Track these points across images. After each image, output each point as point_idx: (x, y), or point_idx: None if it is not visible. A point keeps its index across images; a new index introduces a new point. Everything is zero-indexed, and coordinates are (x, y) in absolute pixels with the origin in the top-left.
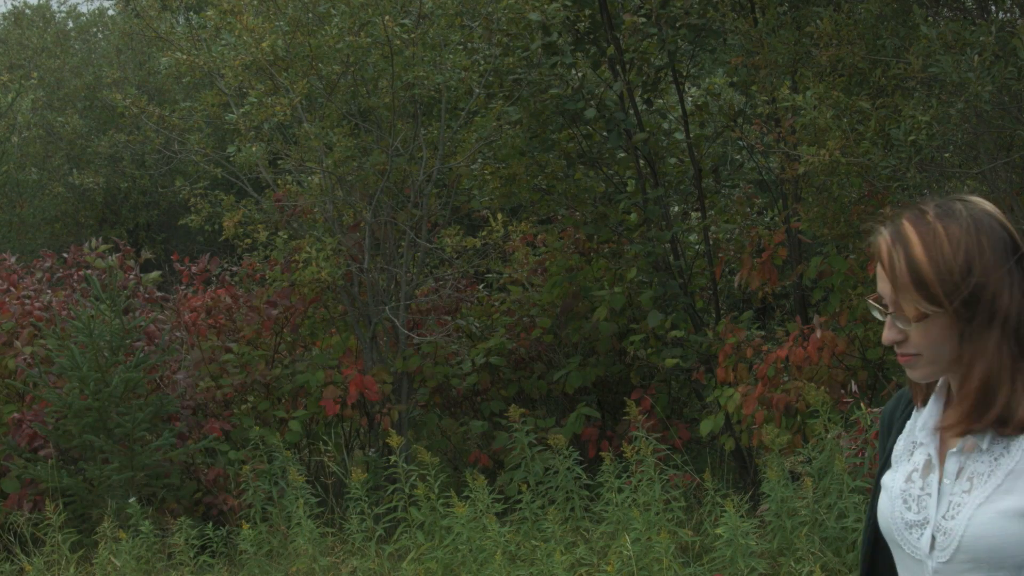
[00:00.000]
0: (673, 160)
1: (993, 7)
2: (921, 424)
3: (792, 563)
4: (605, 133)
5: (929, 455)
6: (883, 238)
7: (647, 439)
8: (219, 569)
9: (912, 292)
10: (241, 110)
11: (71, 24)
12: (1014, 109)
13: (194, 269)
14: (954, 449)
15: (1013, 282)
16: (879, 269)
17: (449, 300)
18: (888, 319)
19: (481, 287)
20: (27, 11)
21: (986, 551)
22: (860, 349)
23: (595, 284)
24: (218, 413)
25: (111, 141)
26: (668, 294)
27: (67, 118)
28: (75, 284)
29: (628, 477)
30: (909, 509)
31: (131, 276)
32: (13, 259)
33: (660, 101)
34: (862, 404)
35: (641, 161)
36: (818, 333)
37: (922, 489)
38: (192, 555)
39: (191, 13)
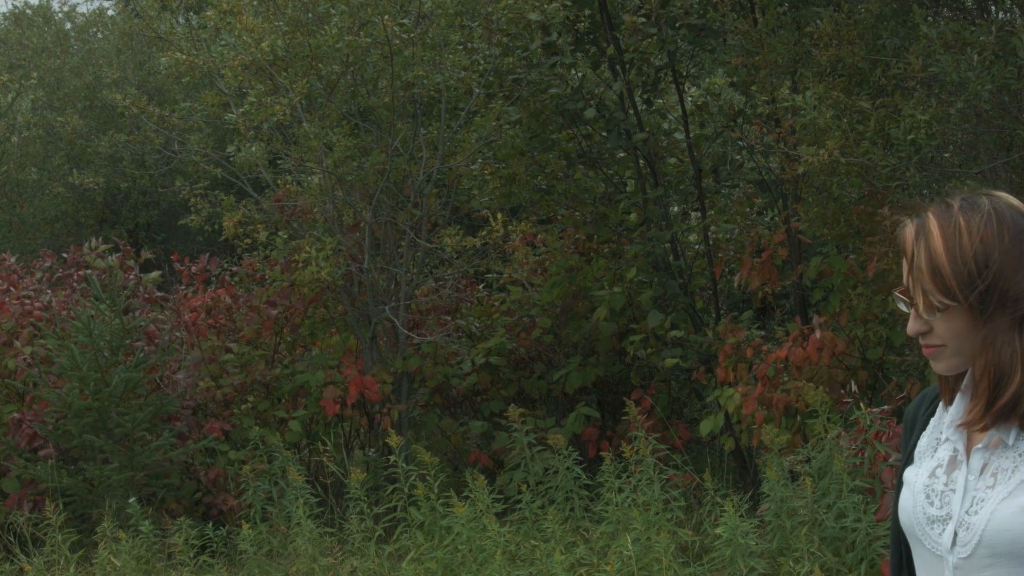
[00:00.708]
0: (673, 160)
1: (993, 7)
2: (948, 421)
3: (791, 563)
4: (605, 133)
5: (956, 451)
6: (908, 230)
7: (647, 439)
8: (219, 569)
9: (929, 284)
10: (241, 110)
11: (69, 25)
12: (1014, 109)
13: (194, 269)
14: (979, 445)
15: None
16: (904, 261)
17: (449, 300)
18: (913, 311)
19: (481, 287)
20: (27, 11)
21: (1007, 545)
22: (860, 349)
23: (595, 284)
24: (218, 413)
25: (111, 141)
26: (668, 294)
27: (67, 118)
28: (75, 284)
29: (628, 477)
30: (932, 504)
31: (131, 276)
32: (13, 259)
33: (660, 101)
34: (861, 404)
35: (641, 161)
36: (817, 333)
37: (946, 485)
38: (192, 555)
39: (191, 13)
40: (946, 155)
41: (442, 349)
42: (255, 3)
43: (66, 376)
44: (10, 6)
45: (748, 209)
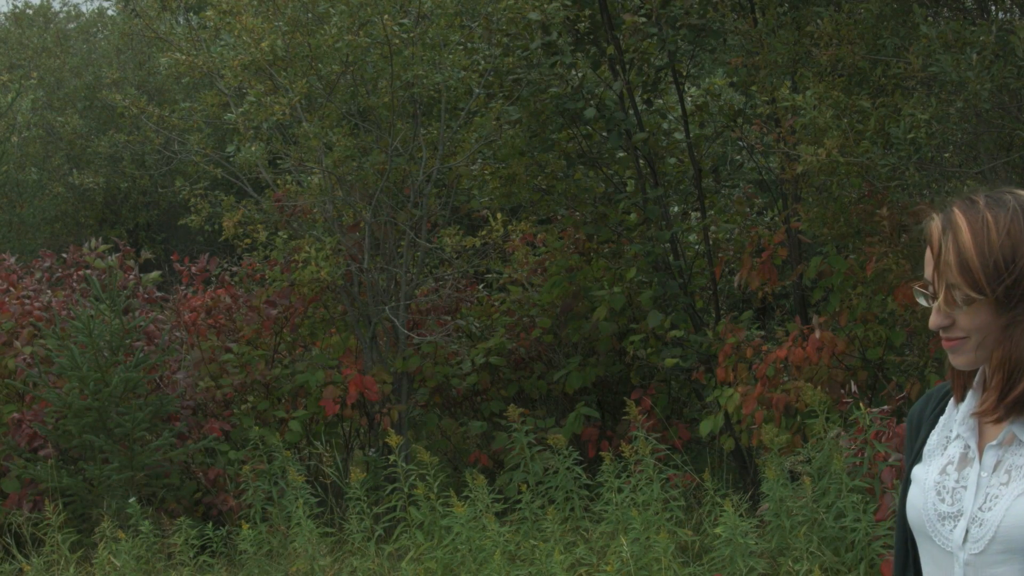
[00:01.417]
0: (673, 160)
1: (993, 7)
2: (960, 418)
3: (791, 563)
4: (605, 133)
5: (967, 447)
6: (935, 224)
7: (647, 439)
8: (219, 569)
9: (958, 278)
10: (240, 110)
11: (72, 25)
12: (1014, 108)
13: (194, 269)
14: (993, 442)
15: None
16: (928, 255)
17: (449, 300)
18: (935, 304)
19: (481, 287)
20: (28, 11)
21: (1022, 540)
22: (860, 349)
23: (595, 284)
24: (218, 413)
25: (111, 141)
26: (668, 294)
27: (67, 118)
28: (74, 284)
29: (628, 477)
30: (943, 501)
31: (131, 276)
32: (13, 259)
33: (660, 101)
34: (861, 404)
35: (641, 161)
36: (817, 333)
37: (957, 482)
38: (192, 555)
39: (191, 14)
40: (946, 155)
41: (442, 349)
42: (255, 3)
43: (66, 376)
44: (10, 6)
45: (748, 209)
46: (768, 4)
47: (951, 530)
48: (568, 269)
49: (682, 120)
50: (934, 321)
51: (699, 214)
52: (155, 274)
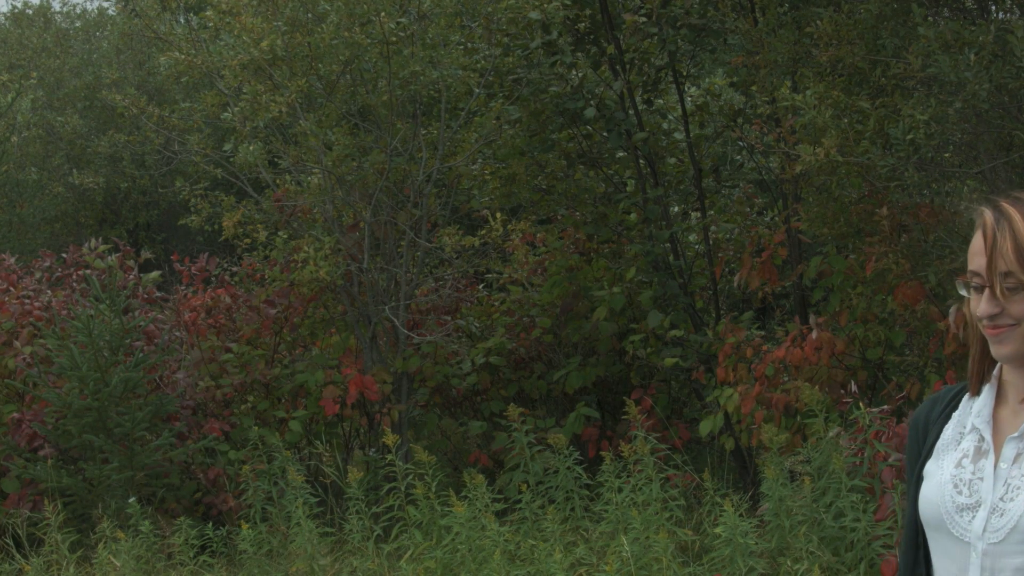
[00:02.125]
0: (673, 160)
1: (993, 7)
2: (976, 412)
3: (790, 562)
4: (605, 133)
5: (981, 439)
6: (987, 216)
7: (646, 439)
8: (219, 569)
9: (1015, 264)
10: (236, 108)
11: (78, 24)
12: (1013, 109)
13: (194, 269)
14: (1014, 435)
15: None
16: (978, 245)
17: (449, 300)
18: (985, 293)
19: (481, 287)
20: (28, 11)
21: None
22: (860, 349)
23: (595, 284)
24: (218, 413)
25: (111, 141)
26: (668, 294)
27: (67, 118)
28: (74, 284)
29: (628, 477)
30: (960, 493)
31: (131, 276)
32: (13, 259)
33: (660, 101)
34: (861, 404)
35: (641, 161)
36: (814, 334)
37: (973, 474)
38: (192, 555)
39: (190, 14)
40: (946, 155)
41: (442, 349)
42: (254, 3)
43: (66, 376)
44: (10, 6)
45: (748, 209)
46: (768, 4)
47: (970, 520)
48: (568, 269)
49: (682, 120)
50: (984, 309)
51: (699, 214)
52: (155, 274)
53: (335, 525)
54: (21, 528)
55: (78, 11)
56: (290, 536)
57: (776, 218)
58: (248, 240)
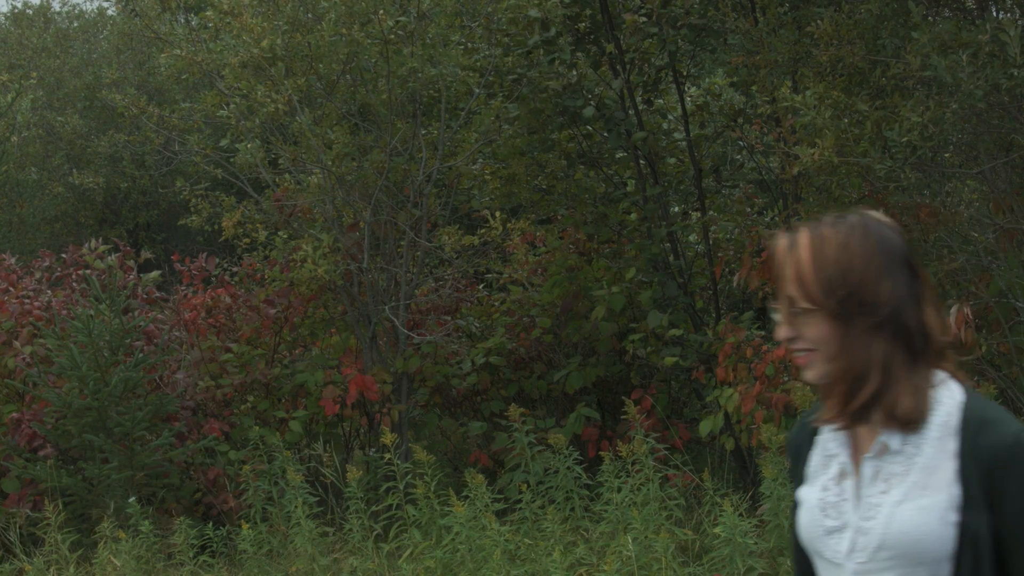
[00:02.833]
0: (673, 160)
1: (993, 7)
2: (835, 434)
3: (790, 562)
4: (605, 133)
5: (842, 463)
6: (781, 242)
7: (646, 439)
8: (219, 569)
9: (794, 289)
10: (231, 105)
11: (76, 24)
12: (1013, 109)
13: (194, 269)
14: (869, 454)
15: (898, 288)
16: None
17: (449, 300)
18: (781, 317)
19: (481, 287)
20: (28, 11)
21: (907, 546)
22: None
23: (595, 284)
24: (218, 413)
25: (111, 141)
26: (668, 294)
27: (67, 118)
28: (74, 284)
29: (627, 477)
30: (828, 516)
31: (131, 276)
32: (13, 259)
33: (660, 101)
34: None
35: (641, 161)
36: None
37: (838, 496)
38: (192, 555)
39: (191, 15)
40: (946, 156)
41: (442, 349)
42: (255, 3)
43: (66, 376)
44: (10, 6)
45: (748, 209)
46: (768, 4)
47: (838, 542)
48: (568, 269)
49: (682, 120)
50: (779, 333)
51: (699, 214)
52: (155, 274)
53: (335, 525)
54: (23, 528)
55: (76, 12)
56: (290, 536)
57: (776, 218)
58: (248, 240)
